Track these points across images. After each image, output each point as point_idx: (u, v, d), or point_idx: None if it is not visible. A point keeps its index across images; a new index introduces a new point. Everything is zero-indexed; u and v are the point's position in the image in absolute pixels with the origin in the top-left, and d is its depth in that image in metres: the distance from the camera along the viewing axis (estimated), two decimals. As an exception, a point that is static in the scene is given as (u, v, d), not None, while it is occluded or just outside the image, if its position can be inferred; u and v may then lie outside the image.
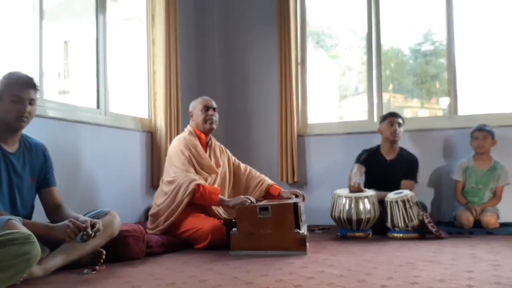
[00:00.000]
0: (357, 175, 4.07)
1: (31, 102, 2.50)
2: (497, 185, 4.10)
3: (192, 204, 3.36)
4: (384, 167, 4.21)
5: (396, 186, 4.05)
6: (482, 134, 4.10)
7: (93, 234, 2.38)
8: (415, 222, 3.64)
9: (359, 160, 4.26)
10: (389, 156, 4.25)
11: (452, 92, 4.62)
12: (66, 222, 2.35)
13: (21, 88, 2.46)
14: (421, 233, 3.66)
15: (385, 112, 4.57)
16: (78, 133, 3.53)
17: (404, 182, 4.14)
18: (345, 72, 6.18)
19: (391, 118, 4.21)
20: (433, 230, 3.59)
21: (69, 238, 2.31)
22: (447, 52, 4.67)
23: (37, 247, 1.92)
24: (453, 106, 4.62)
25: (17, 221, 2.19)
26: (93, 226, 2.42)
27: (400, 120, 4.21)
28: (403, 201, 3.68)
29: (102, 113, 3.87)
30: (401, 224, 3.67)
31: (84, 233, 2.34)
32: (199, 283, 2.18)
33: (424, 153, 4.51)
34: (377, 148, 4.32)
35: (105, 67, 3.92)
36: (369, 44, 4.90)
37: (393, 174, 4.15)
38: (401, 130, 4.20)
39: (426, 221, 3.61)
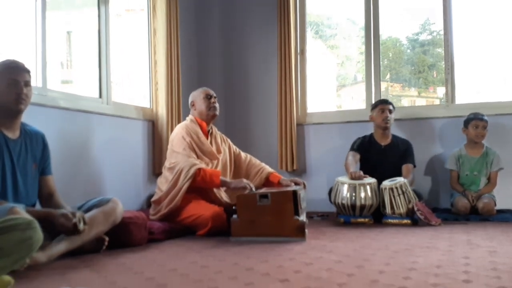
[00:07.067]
0: (354, 163, 4.13)
1: (26, 83, 2.53)
2: (491, 170, 4.16)
3: (194, 190, 3.41)
4: (379, 153, 4.27)
5: (391, 172, 4.09)
6: (483, 123, 4.14)
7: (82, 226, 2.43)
8: (402, 209, 3.72)
9: (353, 147, 4.32)
10: (383, 142, 4.31)
11: (449, 81, 4.64)
12: (63, 211, 2.39)
13: (15, 72, 2.50)
14: (413, 220, 3.72)
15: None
16: (81, 122, 3.56)
17: (405, 166, 4.19)
18: (344, 61, 6.20)
19: (382, 105, 4.28)
20: (422, 217, 3.65)
21: (65, 227, 2.35)
22: (445, 41, 4.68)
23: (39, 233, 1.95)
24: (451, 95, 4.65)
25: (20, 209, 2.22)
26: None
27: (390, 107, 4.27)
28: (391, 189, 3.77)
29: (104, 102, 3.90)
30: (388, 210, 3.76)
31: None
32: (200, 269, 2.22)
33: (422, 141, 4.55)
34: (371, 135, 4.38)
35: (107, 57, 3.95)
36: (368, 34, 4.91)
37: (389, 160, 4.21)
38: (391, 116, 4.27)
39: (415, 209, 3.67)
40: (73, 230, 2.37)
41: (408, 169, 4.18)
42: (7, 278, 1.84)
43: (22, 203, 2.48)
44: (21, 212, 2.19)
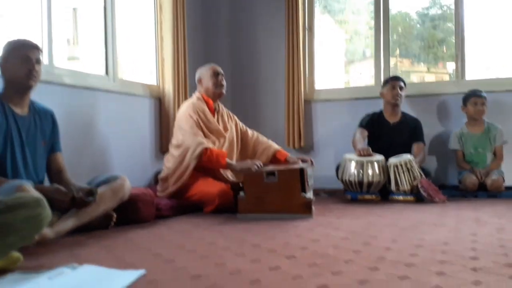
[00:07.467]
0: (361, 140, 4.12)
1: (37, 61, 2.55)
2: (495, 145, 4.14)
3: (201, 168, 3.41)
4: (388, 130, 4.25)
5: (400, 150, 4.07)
6: (481, 100, 4.12)
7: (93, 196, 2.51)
8: (406, 186, 3.72)
9: (361, 124, 4.30)
10: (392, 120, 4.29)
11: (459, 56, 4.57)
12: (56, 186, 2.44)
13: (27, 49, 2.52)
14: (418, 197, 3.72)
15: (391, 77, 4.57)
16: (88, 100, 3.56)
17: (416, 145, 4.17)
18: (353, 37, 6.12)
19: (393, 81, 4.25)
20: (425, 194, 3.65)
21: (61, 202, 2.39)
22: (455, 16, 4.61)
23: (47, 210, 1.96)
24: (461, 70, 4.58)
25: (28, 186, 2.24)
26: (90, 192, 2.52)
27: (401, 84, 4.25)
28: (396, 166, 3.77)
29: (111, 80, 3.88)
30: (393, 187, 3.77)
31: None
32: (207, 245, 2.23)
33: (431, 118, 4.52)
34: (380, 112, 4.35)
35: (113, 33, 3.92)
36: (377, 8, 4.83)
37: (397, 138, 4.19)
38: (402, 93, 4.24)
39: (419, 186, 3.67)
40: (73, 204, 2.42)
41: (419, 148, 4.16)
42: (16, 254, 1.86)
43: (31, 179, 2.51)
44: (30, 189, 2.21)
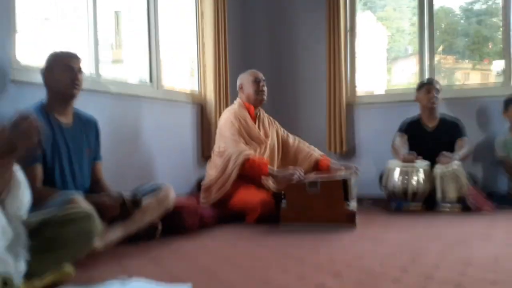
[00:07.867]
0: (402, 145, 4.05)
1: (79, 70, 2.61)
2: None
3: (243, 176, 3.42)
4: (428, 135, 4.14)
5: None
6: None
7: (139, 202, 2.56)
8: (453, 195, 3.64)
9: (401, 129, 4.23)
10: (431, 124, 4.19)
11: (507, 55, 4.40)
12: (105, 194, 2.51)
13: (70, 58, 2.58)
14: (464, 206, 3.62)
15: (436, 75, 4.45)
16: (133, 108, 3.62)
17: (459, 141, 4.04)
18: (394, 34, 6.01)
19: (427, 85, 4.16)
20: (472, 204, 3.56)
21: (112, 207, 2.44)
22: (503, 10, 4.44)
23: (97, 224, 2.01)
24: (508, 69, 4.41)
25: (79, 198, 2.29)
26: (135, 200, 2.56)
27: (437, 86, 4.14)
28: (442, 175, 3.68)
29: (155, 87, 3.94)
30: (440, 196, 3.68)
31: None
32: (252, 258, 2.25)
33: (477, 123, 4.37)
34: (418, 117, 4.25)
35: (157, 40, 3.97)
36: (420, 3, 4.70)
37: (439, 142, 4.04)
38: (438, 96, 4.14)
39: (467, 195, 3.58)
40: (122, 209, 2.47)
41: (462, 142, 4.03)
42: (69, 268, 1.91)
43: (79, 188, 2.57)
44: (81, 201, 2.26)
